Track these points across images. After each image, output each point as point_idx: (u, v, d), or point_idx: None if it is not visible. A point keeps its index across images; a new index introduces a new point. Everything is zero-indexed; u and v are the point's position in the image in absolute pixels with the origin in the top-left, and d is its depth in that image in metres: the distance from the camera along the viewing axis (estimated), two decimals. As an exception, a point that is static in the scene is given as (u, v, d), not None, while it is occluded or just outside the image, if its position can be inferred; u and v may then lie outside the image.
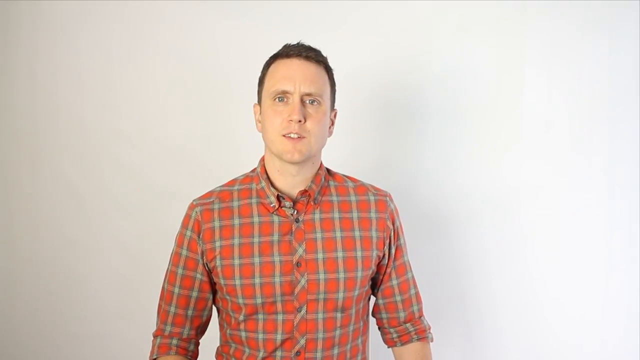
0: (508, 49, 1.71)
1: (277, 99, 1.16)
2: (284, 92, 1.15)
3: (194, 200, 1.24)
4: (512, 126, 1.72)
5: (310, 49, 1.19)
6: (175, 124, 1.88)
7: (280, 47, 1.22)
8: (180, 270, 1.22)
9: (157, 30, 1.87)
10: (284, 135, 1.15)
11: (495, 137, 1.73)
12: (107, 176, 1.92)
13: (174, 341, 1.23)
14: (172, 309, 1.23)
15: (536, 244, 1.72)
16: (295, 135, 1.14)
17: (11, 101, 1.96)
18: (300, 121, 1.14)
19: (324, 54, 1.22)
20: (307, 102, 1.16)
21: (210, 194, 1.24)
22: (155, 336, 1.26)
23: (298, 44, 1.20)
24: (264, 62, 1.24)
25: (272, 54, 1.22)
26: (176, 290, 1.22)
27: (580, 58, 1.68)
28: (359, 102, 1.76)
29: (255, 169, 1.26)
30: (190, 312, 1.23)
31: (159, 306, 1.26)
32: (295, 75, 1.15)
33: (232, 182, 1.26)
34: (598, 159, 1.68)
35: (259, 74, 1.25)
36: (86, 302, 1.94)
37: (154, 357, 1.24)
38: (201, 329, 1.28)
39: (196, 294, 1.22)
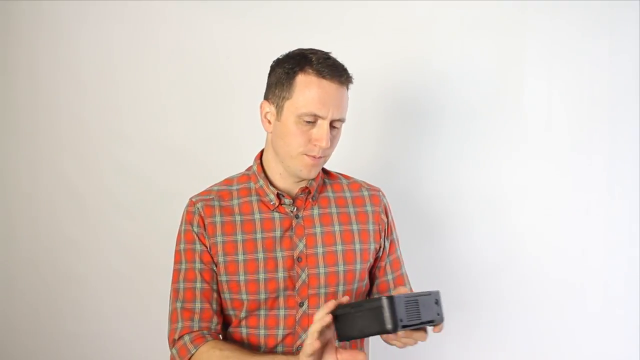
0: (508, 49, 1.71)
1: (306, 120, 1.13)
2: (316, 116, 1.12)
3: (192, 197, 1.23)
4: (511, 126, 1.72)
5: (343, 70, 1.14)
6: (175, 124, 1.88)
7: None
8: (198, 265, 1.18)
9: (157, 30, 1.87)
10: (305, 154, 1.14)
11: (494, 137, 1.73)
12: (107, 176, 1.92)
13: (205, 332, 1.16)
14: (198, 305, 1.17)
15: (536, 244, 1.72)
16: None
17: (11, 101, 1.97)
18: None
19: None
20: (333, 125, 1.15)
21: (208, 191, 1.24)
22: (180, 337, 1.15)
23: (330, 59, 1.14)
24: (270, 60, 1.19)
25: (295, 57, 1.15)
26: (198, 285, 1.17)
27: (580, 58, 1.68)
28: (358, 103, 1.76)
29: (250, 167, 1.26)
30: (215, 306, 1.18)
31: (174, 308, 1.17)
32: (330, 102, 1.11)
33: (230, 182, 1.26)
34: (598, 159, 1.68)
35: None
36: (86, 302, 1.94)
37: (191, 353, 1.13)
38: (223, 321, 1.23)
39: (216, 286, 1.19)
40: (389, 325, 0.90)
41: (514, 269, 1.73)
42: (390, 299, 0.90)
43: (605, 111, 1.67)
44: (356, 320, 0.94)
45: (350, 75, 1.16)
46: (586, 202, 1.69)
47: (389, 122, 1.79)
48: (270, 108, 1.18)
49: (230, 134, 1.83)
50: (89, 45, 1.91)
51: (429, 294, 0.99)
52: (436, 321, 1.00)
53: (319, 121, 1.12)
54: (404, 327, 0.92)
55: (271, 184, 1.21)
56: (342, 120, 1.16)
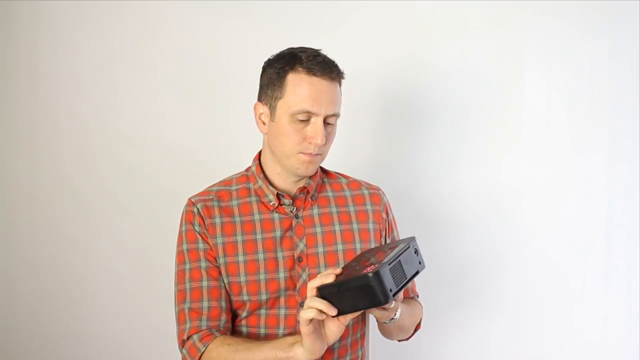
0: (508, 49, 1.71)
1: (299, 119, 1.13)
2: (309, 114, 1.13)
3: (191, 198, 1.23)
4: (512, 126, 1.72)
5: (334, 66, 1.15)
6: (175, 124, 1.88)
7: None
8: (203, 264, 1.17)
9: (157, 30, 1.87)
10: (301, 152, 1.15)
11: (494, 137, 1.73)
12: (107, 176, 1.92)
13: (214, 330, 1.16)
14: (205, 304, 1.16)
15: (536, 244, 1.72)
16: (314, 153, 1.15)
17: (11, 101, 1.97)
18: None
19: (330, 56, 1.18)
20: (327, 122, 1.15)
21: (207, 192, 1.24)
22: (188, 338, 1.15)
23: (320, 56, 1.14)
24: (268, 61, 1.19)
25: (285, 56, 1.16)
26: (205, 284, 1.16)
27: (580, 58, 1.68)
28: (357, 102, 1.76)
29: (249, 168, 1.26)
30: (223, 304, 1.17)
31: (181, 309, 1.16)
32: (322, 98, 1.12)
33: (229, 182, 1.26)
34: (598, 159, 1.68)
35: (259, 74, 1.23)
36: (86, 302, 1.94)
37: (201, 352, 1.12)
38: (232, 317, 1.22)
39: (222, 284, 1.18)
40: (381, 299, 0.90)
41: (513, 269, 1.73)
42: (377, 274, 0.88)
43: (605, 111, 1.67)
44: (345, 298, 0.93)
45: (342, 71, 1.17)
46: (586, 202, 1.69)
47: (388, 121, 1.79)
48: (263, 109, 1.19)
49: (230, 134, 1.83)
50: (89, 45, 1.90)
51: (407, 246, 0.97)
52: (419, 271, 0.99)
53: (313, 118, 1.13)
54: (395, 293, 0.91)
55: (270, 184, 1.21)
56: (336, 116, 1.16)
